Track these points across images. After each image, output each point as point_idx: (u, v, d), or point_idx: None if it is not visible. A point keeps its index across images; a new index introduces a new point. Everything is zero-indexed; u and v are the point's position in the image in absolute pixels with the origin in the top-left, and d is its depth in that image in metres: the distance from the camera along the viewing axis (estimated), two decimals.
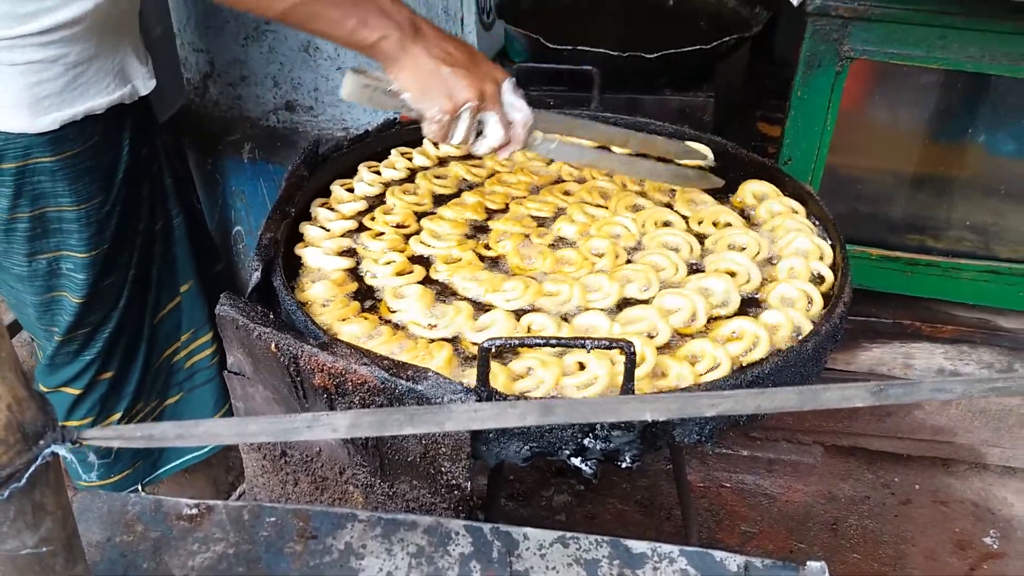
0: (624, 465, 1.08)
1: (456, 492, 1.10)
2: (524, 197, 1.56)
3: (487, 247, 1.43)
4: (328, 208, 1.51)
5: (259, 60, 2.37)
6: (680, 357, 1.16)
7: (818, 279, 1.33)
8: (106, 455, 1.78)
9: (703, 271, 1.35)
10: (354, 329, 1.21)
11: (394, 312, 1.28)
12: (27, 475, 0.62)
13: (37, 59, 1.37)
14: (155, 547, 0.90)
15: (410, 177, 1.63)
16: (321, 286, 1.30)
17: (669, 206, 1.54)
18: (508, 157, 1.35)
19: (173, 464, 1.94)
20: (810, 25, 1.86)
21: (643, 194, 1.57)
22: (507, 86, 1.27)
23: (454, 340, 1.21)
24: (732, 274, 1.33)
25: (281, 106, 2.43)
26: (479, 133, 1.28)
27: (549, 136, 1.37)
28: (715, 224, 1.47)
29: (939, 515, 2.30)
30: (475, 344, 1.19)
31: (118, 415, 1.75)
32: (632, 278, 1.32)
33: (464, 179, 1.63)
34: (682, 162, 1.59)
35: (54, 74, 1.39)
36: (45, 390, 1.69)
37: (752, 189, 1.55)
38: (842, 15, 1.83)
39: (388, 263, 1.36)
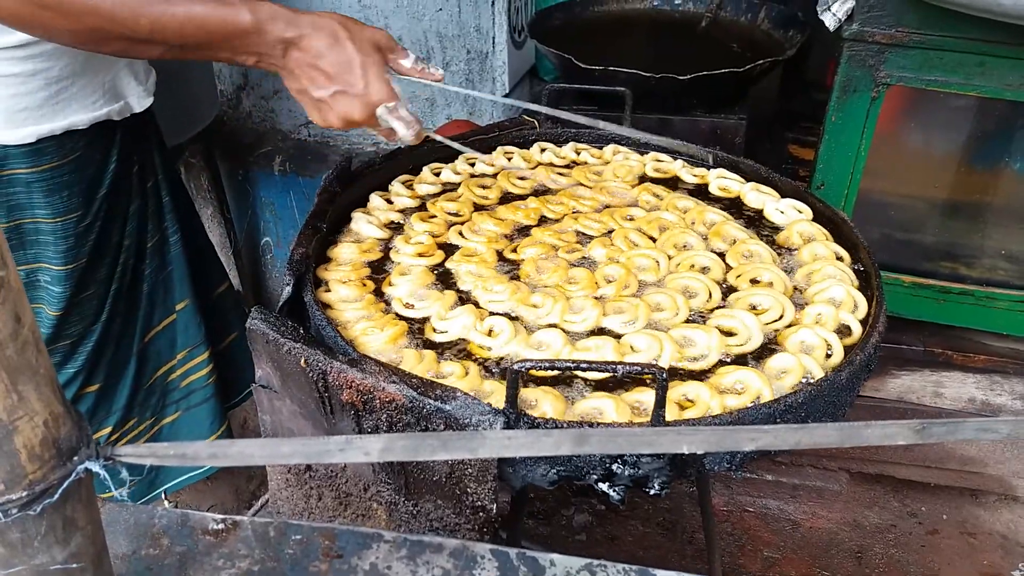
0: (652, 492, 1.07)
1: (481, 514, 1.09)
2: (583, 213, 1.56)
3: (514, 250, 1.45)
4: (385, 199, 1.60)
5: None
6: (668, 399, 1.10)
7: (845, 330, 1.26)
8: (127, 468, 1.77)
9: (703, 322, 1.29)
10: (345, 292, 1.31)
11: (392, 286, 1.36)
12: (60, 491, 0.62)
13: (15, 72, 1.35)
14: (181, 561, 0.89)
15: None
16: (345, 260, 1.42)
17: (723, 256, 1.44)
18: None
19: (171, 483, 1.90)
20: (846, 51, 1.85)
21: (705, 237, 1.49)
22: (381, 110, 1.28)
23: (423, 322, 1.28)
24: (731, 333, 1.25)
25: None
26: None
27: None
28: (753, 281, 1.38)
29: (967, 547, 2.25)
30: (439, 331, 1.26)
31: (107, 429, 1.73)
32: (624, 309, 1.29)
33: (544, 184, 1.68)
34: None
35: (33, 88, 1.37)
36: None
37: (799, 229, 1.49)
38: (879, 41, 1.82)
39: (417, 243, 1.46)
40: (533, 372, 1.14)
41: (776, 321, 1.28)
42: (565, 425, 1.04)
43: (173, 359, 1.82)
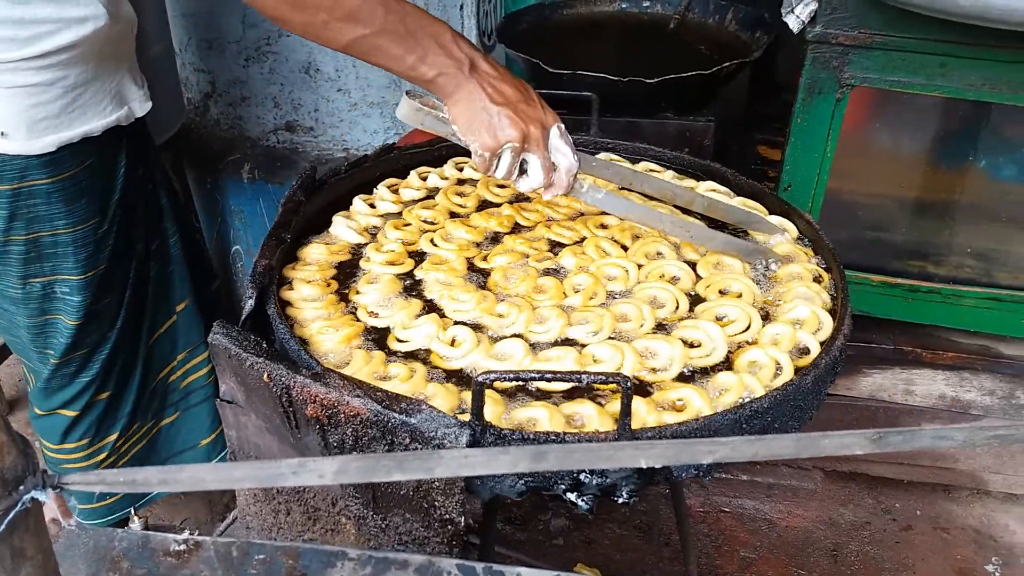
0: (621, 500, 1.07)
1: (449, 527, 1.08)
2: (557, 221, 1.55)
3: (485, 259, 1.44)
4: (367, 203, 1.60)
5: (260, 81, 2.37)
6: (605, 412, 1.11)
7: (803, 351, 1.24)
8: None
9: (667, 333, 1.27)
10: (308, 291, 1.33)
11: (359, 294, 1.35)
12: (6, 522, 0.60)
13: (35, 82, 1.37)
14: None
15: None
16: (312, 260, 1.42)
17: (694, 265, 1.43)
18: (552, 199, 1.38)
19: (144, 499, 1.91)
20: (810, 53, 1.86)
21: (678, 247, 1.48)
22: (555, 131, 1.30)
23: (385, 332, 1.28)
24: (695, 345, 1.25)
25: (281, 126, 2.44)
26: (523, 171, 1.32)
27: (597, 185, 1.40)
28: (722, 292, 1.37)
29: (940, 542, 2.27)
30: (402, 340, 1.26)
31: (114, 436, 1.74)
32: (589, 320, 1.28)
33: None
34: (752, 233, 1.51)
35: (52, 96, 1.40)
36: (41, 413, 1.67)
37: (780, 249, 1.47)
38: (842, 43, 1.83)
39: (388, 251, 1.45)
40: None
41: (743, 332, 1.27)
42: (531, 437, 1.04)
43: (174, 360, 1.84)
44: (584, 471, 1.03)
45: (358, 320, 1.30)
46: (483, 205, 1.63)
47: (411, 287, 1.40)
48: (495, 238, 1.52)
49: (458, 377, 1.20)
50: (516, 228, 1.55)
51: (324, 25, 1.17)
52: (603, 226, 1.54)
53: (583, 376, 1.04)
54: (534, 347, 1.25)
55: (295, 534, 1.28)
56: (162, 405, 1.85)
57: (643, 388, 1.17)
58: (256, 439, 1.23)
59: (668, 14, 2.60)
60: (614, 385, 1.10)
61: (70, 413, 1.67)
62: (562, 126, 1.31)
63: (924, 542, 2.27)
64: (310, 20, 1.17)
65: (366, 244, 1.49)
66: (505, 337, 1.26)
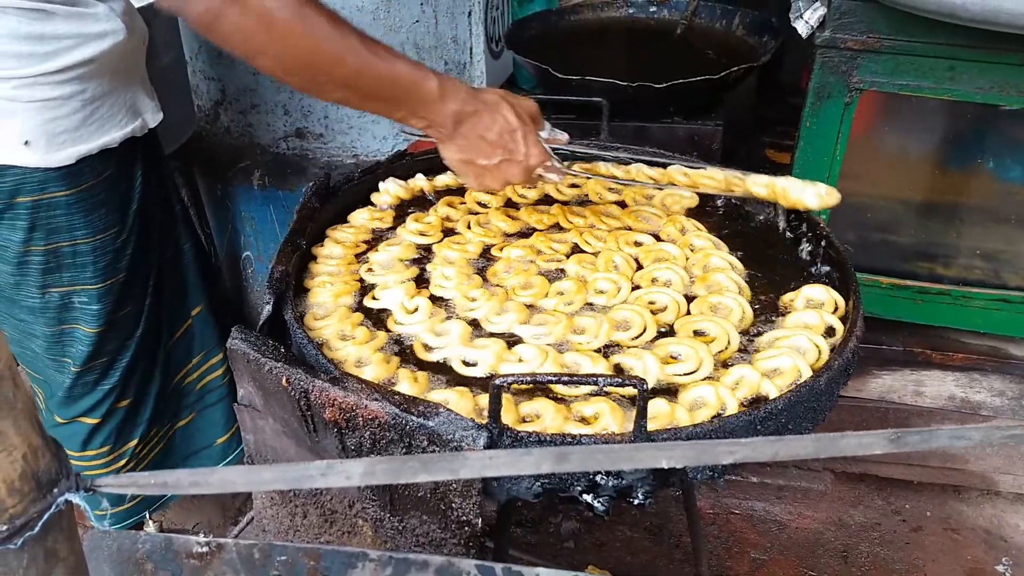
0: (637, 502, 1.08)
1: (467, 528, 1.09)
2: (593, 229, 1.57)
3: (501, 249, 1.51)
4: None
5: (270, 88, 2.39)
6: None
7: (762, 399, 1.16)
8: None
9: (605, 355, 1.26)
10: (336, 251, 1.47)
11: (376, 252, 1.48)
12: (41, 523, 0.62)
13: (54, 96, 1.39)
14: None
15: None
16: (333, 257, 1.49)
17: (692, 300, 1.38)
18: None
19: (159, 502, 1.93)
20: (819, 57, 1.87)
21: (693, 281, 1.43)
22: (546, 164, 1.40)
23: (386, 317, 1.34)
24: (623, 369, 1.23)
25: (291, 133, 2.45)
26: None
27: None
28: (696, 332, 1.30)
29: (950, 543, 2.27)
30: (375, 299, 1.36)
31: (134, 442, 1.75)
32: (545, 322, 1.32)
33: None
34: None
35: (70, 110, 1.41)
36: (61, 421, 1.69)
37: (808, 294, 1.38)
38: (851, 47, 1.84)
39: (427, 222, 1.56)
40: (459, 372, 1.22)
41: (693, 373, 1.21)
42: (548, 439, 1.05)
43: (190, 363, 1.86)
44: (601, 473, 1.04)
45: (362, 279, 1.42)
46: (543, 200, 1.69)
47: (424, 257, 1.50)
48: (528, 233, 1.57)
49: (400, 346, 1.29)
50: (556, 227, 1.59)
51: (314, 87, 1.26)
52: (637, 243, 1.54)
53: (600, 379, 1.06)
54: (478, 333, 1.31)
55: (312, 536, 1.29)
56: (177, 408, 1.87)
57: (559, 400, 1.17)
58: (274, 443, 1.24)
59: (675, 19, 2.61)
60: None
61: (91, 421, 1.69)
62: (547, 163, 1.39)
63: (934, 543, 2.27)
64: (301, 82, 1.26)
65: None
66: (467, 319, 1.33)
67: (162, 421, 1.82)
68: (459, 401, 1.14)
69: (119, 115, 1.50)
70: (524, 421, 1.11)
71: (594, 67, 2.08)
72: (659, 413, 1.12)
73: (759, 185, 1.47)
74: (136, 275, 1.63)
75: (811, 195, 1.40)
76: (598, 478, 1.05)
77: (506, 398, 1.12)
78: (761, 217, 1.62)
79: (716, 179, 1.54)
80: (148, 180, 1.62)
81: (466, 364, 1.23)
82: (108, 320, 1.60)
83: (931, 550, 2.24)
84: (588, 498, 1.07)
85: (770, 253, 1.53)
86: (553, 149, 1.44)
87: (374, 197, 1.67)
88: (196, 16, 1.14)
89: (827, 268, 1.46)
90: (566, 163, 1.62)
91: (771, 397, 1.15)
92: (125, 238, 1.58)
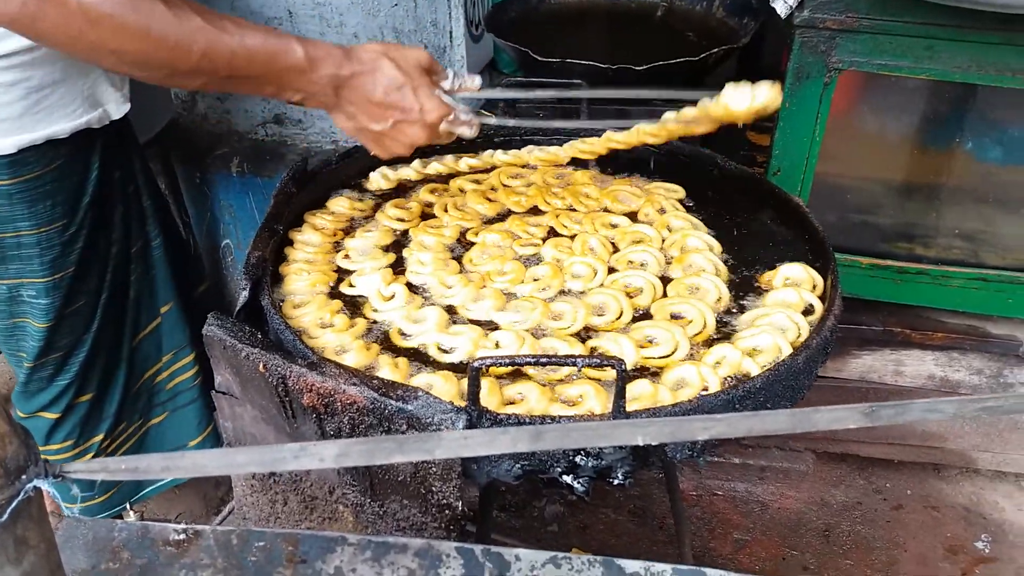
0: (616, 482, 1.08)
1: (447, 511, 1.09)
2: (571, 212, 1.56)
3: (477, 234, 1.50)
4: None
5: None
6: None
7: (744, 376, 1.17)
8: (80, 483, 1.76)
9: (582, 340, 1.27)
10: (313, 238, 1.45)
11: (353, 238, 1.47)
12: (9, 510, 0.61)
13: None
14: (142, 574, 0.89)
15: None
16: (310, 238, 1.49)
17: (669, 282, 1.39)
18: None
19: (159, 484, 1.91)
20: (797, 37, 1.87)
21: (669, 262, 1.43)
22: (449, 118, 1.31)
23: (362, 303, 1.34)
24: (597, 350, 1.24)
25: (270, 119, 2.43)
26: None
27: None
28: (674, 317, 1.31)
29: (931, 520, 2.30)
30: (352, 286, 1.36)
31: (99, 436, 1.72)
32: (521, 309, 1.32)
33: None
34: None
35: (13, 97, 1.35)
36: (22, 416, 1.66)
37: (786, 273, 1.39)
38: (829, 27, 1.83)
39: (405, 208, 1.56)
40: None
41: (668, 356, 1.21)
42: (527, 421, 1.05)
43: (159, 362, 1.82)
44: (580, 453, 1.04)
45: (338, 267, 1.41)
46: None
47: (402, 243, 1.49)
48: (505, 216, 1.55)
49: (380, 334, 1.28)
50: (534, 210, 1.58)
51: (169, 79, 1.19)
52: (613, 225, 1.53)
53: (578, 360, 1.05)
54: (454, 320, 1.30)
55: (292, 523, 1.29)
56: (149, 405, 1.83)
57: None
58: (252, 429, 1.23)
59: (656, 1, 2.60)
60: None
61: (51, 415, 1.65)
62: (449, 116, 1.30)
63: (914, 520, 2.29)
64: (155, 77, 1.19)
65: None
66: (442, 305, 1.32)
67: (131, 417, 1.79)
68: (444, 385, 1.14)
69: (71, 105, 1.43)
70: (510, 403, 1.11)
71: (575, 50, 2.07)
72: (643, 394, 1.12)
73: (695, 111, 1.38)
74: (89, 270, 1.58)
75: (740, 97, 1.29)
76: (577, 459, 1.05)
77: (490, 381, 1.12)
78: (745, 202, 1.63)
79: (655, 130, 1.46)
80: (108, 172, 1.56)
81: (442, 350, 1.23)
82: (58, 315, 1.55)
83: (911, 528, 2.27)
84: (568, 479, 1.07)
85: (747, 232, 1.53)
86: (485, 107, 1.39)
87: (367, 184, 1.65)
88: (11, 17, 1.06)
89: (805, 247, 1.46)
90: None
91: (752, 375, 1.15)
92: (75, 231, 1.52)
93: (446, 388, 1.12)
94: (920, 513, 2.32)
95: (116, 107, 1.54)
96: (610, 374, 1.14)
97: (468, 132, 1.35)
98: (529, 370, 1.18)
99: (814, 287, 1.34)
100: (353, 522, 1.19)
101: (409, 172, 1.64)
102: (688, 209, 1.60)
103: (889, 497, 2.36)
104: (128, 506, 1.86)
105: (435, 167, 1.65)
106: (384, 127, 1.27)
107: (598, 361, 1.06)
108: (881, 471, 2.42)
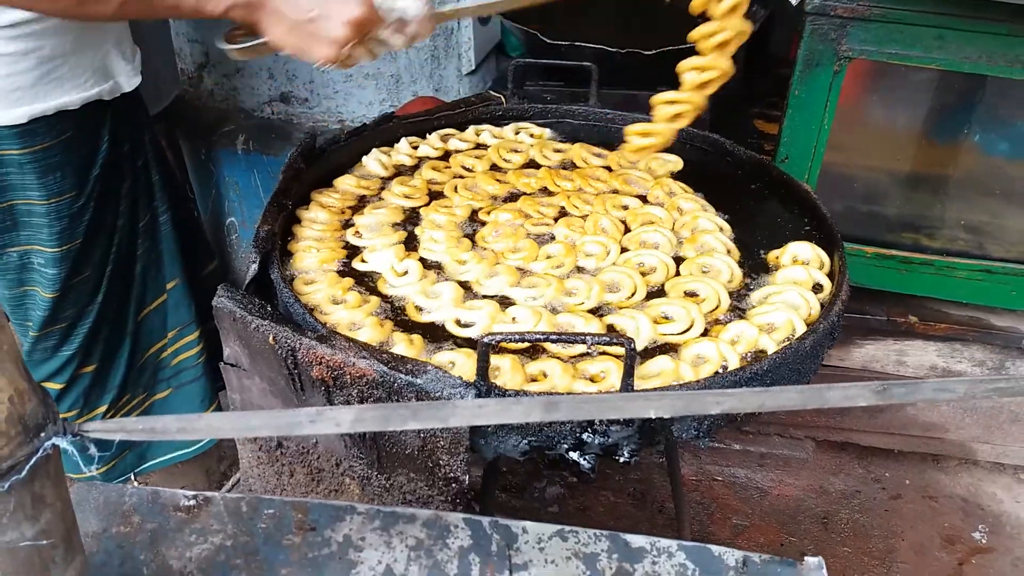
0: (622, 460, 1.08)
1: (454, 485, 1.10)
2: (582, 193, 1.57)
3: (489, 213, 1.50)
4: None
5: None
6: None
7: (760, 354, 1.19)
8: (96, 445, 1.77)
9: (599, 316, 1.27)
10: (322, 216, 1.45)
11: (362, 216, 1.47)
12: (28, 467, 0.61)
13: (8, 51, 1.33)
14: (152, 538, 0.89)
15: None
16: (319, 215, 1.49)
17: (681, 261, 1.39)
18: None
19: (161, 459, 1.92)
20: (808, 25, 1.86)
21: (681, 242, 1.44)
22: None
23: (373, 276, 1.34)
24: (614, 329, 1.24)
25: (276, 97, 2.43)
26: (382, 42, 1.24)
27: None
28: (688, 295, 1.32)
29: (929, 510, 2.32)
30: (364, 262, 1.36)
31: (103, 408, 1.73)
32: (536, 284, 1.32)
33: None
34: None
35: (25, 67, 1.36)
36: None
37: (795, 251, 1.40)
38: (840, 15, 1.83)
39: (412, 185, 1.56)
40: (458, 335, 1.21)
41: (684, 332, 1.22)
42: (536, 395, 1.05)
43: (164, 338, 1.82)
44: (588, 430, 1.04)
45: (347, 243, 1.42)
46: (530, 164, 1.68)
47: (411, 220, 1.49)
48: (515, 197, 1.55)
49: (396, 310, 1.28)
50: (543, 191, 1.58)
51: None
52: (624, 207, 1.54)
53: (588, 338, 1.06)
54: (470, 296, 1.30)
55: (299, 495, 1.29)
56: (153, 380, 1.84)
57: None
58: (260, 402, 1.24)
59: None
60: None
61: (55, 386, 1.66)
62: (386, 26, 1.21)
63: (912, 510, 2.31)
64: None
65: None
66: (458, 281, 1.32)
67: (135, 390, 1.79)
68: (467, 362, 1.13)
69: (83, 76, 1.44)
70: (533, 381, 1.11)
71: (584, 33, 2.06)
72: (663, 370, 1.13)
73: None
74: (96, 241, 1.58)
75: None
76: (584, 436, 1.06)
77: (512, 359, 1.12)
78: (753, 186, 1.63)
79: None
80: (116, 146, 1.56)
81: (461, 325, 1.23)
82: (65, 285, 1.56)
83: (909, 517, 2.28)
84: (574, 455, 1.07)
85: (756, 216, 1.54)
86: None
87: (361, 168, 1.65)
88: None
89: (813, 232, 1.47)
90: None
91: (769, 352, 1.17)
92: (83, 204, 1.53)
93: (468, 364, 1.12)
94: (918, 503, 2.33)
95: (127, 79, 1.54)
96: (617, 349, 1.14)
97: (397, 44, 1.24)
98: (549, 346, 1.18)
99: (822, 266, 1.35)
100: (359, 495, 1.20)
101: (403, 157, 1.66)
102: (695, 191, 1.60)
103: (888, 486, 2.38)
104: (133, 477, 1.87)
105: (425, 150, 1.68)
106: (317, 12, 1.16)
107: (608, 339, 1.06)
108: (880, 460, 2.44)
